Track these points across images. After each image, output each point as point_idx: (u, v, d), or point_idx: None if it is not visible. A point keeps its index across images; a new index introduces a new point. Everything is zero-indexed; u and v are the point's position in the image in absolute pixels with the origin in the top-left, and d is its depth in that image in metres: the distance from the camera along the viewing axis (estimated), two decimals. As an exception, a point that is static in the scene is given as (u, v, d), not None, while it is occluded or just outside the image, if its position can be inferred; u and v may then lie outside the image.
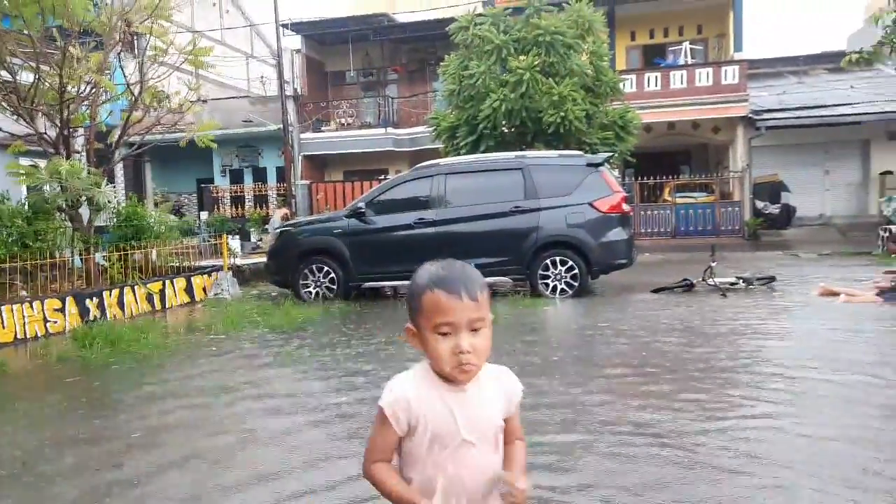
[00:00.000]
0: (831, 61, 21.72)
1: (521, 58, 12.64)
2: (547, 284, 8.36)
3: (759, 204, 18.61)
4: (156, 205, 18.39)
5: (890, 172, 18.49)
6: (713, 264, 8.28)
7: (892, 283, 7.16)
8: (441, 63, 13.86)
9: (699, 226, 19.06)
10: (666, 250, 16.06)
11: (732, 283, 8.35)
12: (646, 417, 3.59)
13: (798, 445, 3.09)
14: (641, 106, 18.59)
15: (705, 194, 19.56)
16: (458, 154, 13.05)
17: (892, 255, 9.12)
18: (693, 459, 2.96)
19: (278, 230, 9.35)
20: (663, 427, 3.41)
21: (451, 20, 13.44)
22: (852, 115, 18.05)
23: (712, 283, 8.18)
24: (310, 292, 8.70)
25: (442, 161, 9.14)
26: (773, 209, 18.32)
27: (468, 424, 1.28)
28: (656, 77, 19.26)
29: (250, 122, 19.83)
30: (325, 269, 8.63)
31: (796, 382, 4.17)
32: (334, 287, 8.63)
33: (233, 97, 22.03)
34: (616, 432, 3.35)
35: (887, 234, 11.97)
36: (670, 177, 19.66)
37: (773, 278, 8.53)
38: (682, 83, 19.00)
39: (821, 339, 5.47)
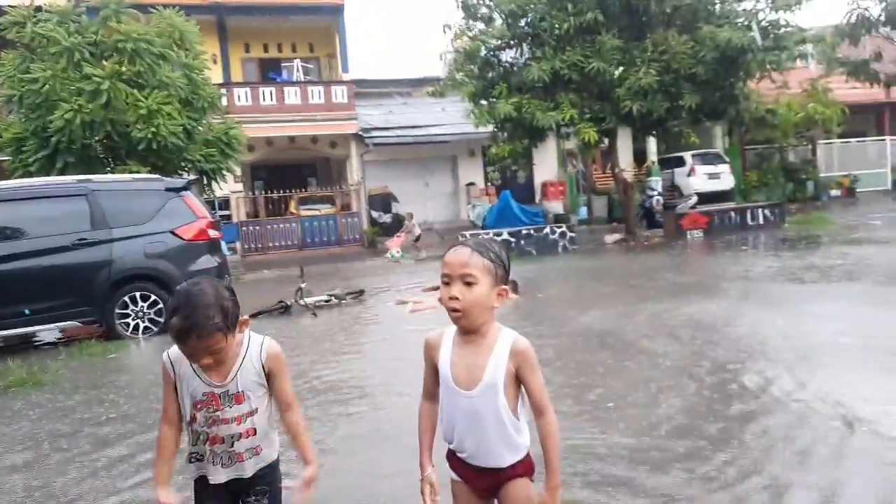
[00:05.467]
0: (432, 85, 24.95)
1: (105, 63, 11.22)
2: (128, 324, 7.46)
3: (374, 214, 20.29)
4: None
5: (473, 183, 22.08)
6: (302, 285, 8.48)
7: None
8: (-1, 61, 11.43)
9: (324, 236, 19.83)
10: (291, 264, 16.20)
11: (326, 300, 8.68)
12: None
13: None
14: (259, 119, 18.56)
15: (329, 206, 20.46)
16: (29, 172, 10.97)
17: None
18: None
19: None
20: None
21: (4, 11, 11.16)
22: (441, 135, 20.99)
23: (303, 303, 8.36)
24: None
25: (-23, 186, 7.40)
26: (386, 218, 20.17)
27: None
28: (271, 92, 19.39)
29: None
30: None
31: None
32: None
33: None
34: None
35: (463, 238, 14.15)
36: (294, 190, 20.04)
37: (362, 291, 9.17)
38: (296, 99, 19.51)
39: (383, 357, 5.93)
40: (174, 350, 1.83)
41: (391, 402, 4.39)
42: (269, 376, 1.87)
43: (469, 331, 1.73)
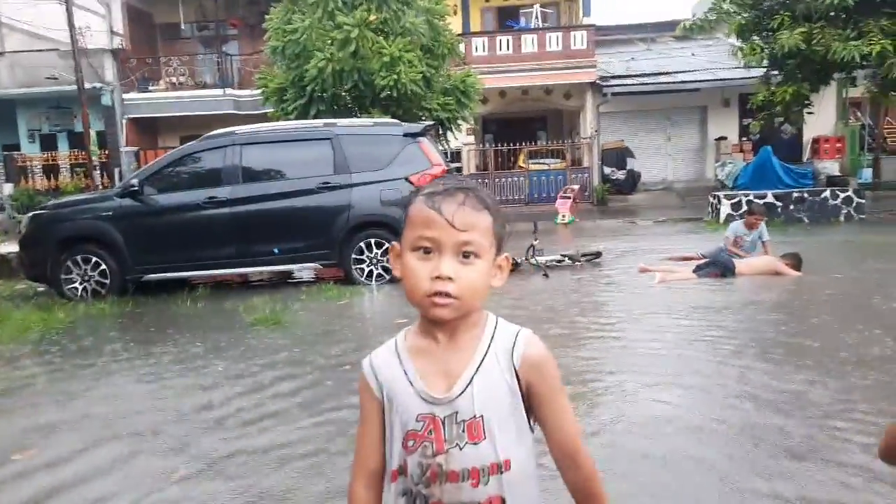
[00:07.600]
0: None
1: (355, 13, 11.53)
2: (362, 270, 7.51)
3: (607, 170, 18.90)
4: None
5: (724, 138, 19.40)
6: (535, 243, 7.80)
7: (702, 259, 7.05)
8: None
9: (552, 192, 19.01)
10: (517, 220, 15.74)
11: (558, 261, 7.94)
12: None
13: None
14: (494, 70, 18.12)
15: (558, 161, 19.53)
16: (288, 119, 11.81)
17: (720, 223, 9.22)
18: None
19: (30, 214, 7.63)
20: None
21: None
22: (691, 82, 18.63)
23: (534, 261, 7.70)
24: (75, 289, 7.20)
25: (238, 129, 7.88)
26: (620, 175, 18.68)
27: None
28: (508, 40, 18.79)
29: (54, 78, 17.11)
30: (94, 259, 7.19)
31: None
32: (106, 281, 7.23)
33: (37, 50, 19.00)
34: None
35: (716, 200, 12.29)
36: (523, 143, 19.46)
37: (598, 254, 8.23)
38: (533, 47, 18.68)
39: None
40: (378, 353, 1.14)
41: (639, 400, 3.49)
42: (531, 395, 1.06)
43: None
